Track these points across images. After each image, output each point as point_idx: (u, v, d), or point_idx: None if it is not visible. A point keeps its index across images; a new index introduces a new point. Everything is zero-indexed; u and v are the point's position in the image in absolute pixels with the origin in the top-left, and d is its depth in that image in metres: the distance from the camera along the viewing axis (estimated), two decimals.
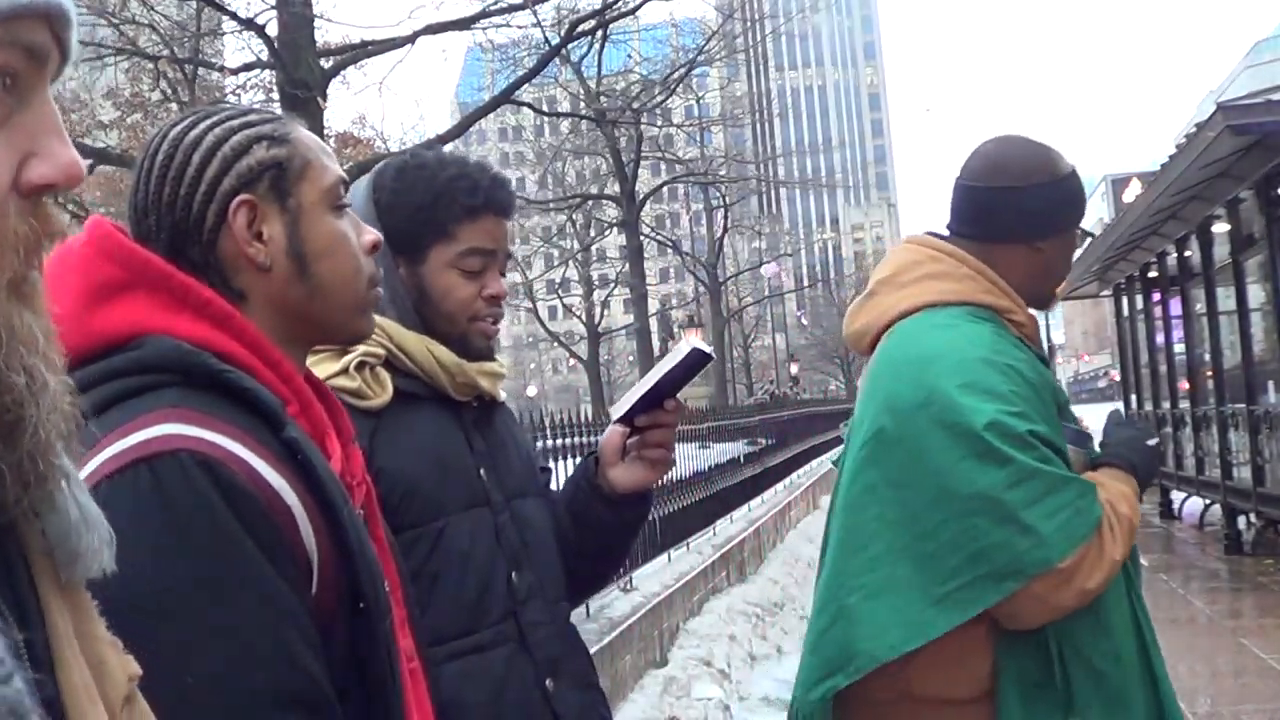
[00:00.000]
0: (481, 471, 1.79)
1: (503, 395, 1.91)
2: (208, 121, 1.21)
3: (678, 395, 1.85)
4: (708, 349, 1.83)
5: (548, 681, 1.75)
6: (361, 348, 1.69)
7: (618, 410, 1.83)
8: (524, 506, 1.83)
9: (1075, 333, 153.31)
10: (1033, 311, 2.08)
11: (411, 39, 13.67)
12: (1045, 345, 2.31)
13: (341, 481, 1.16)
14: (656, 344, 29.75)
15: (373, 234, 1.29)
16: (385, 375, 1.73)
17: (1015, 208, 2.01)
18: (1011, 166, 2.03)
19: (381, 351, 1.73)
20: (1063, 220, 2.05)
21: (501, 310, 1.85)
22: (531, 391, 70.90)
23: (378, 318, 1.70)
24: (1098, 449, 2.03)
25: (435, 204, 1.77)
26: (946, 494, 1.81)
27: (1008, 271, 2.01)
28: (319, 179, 1.23)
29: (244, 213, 1.18)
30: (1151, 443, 2.03)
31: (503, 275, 1.86)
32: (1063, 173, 2.04)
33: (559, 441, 5.93)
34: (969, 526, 1.79)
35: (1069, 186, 2.05)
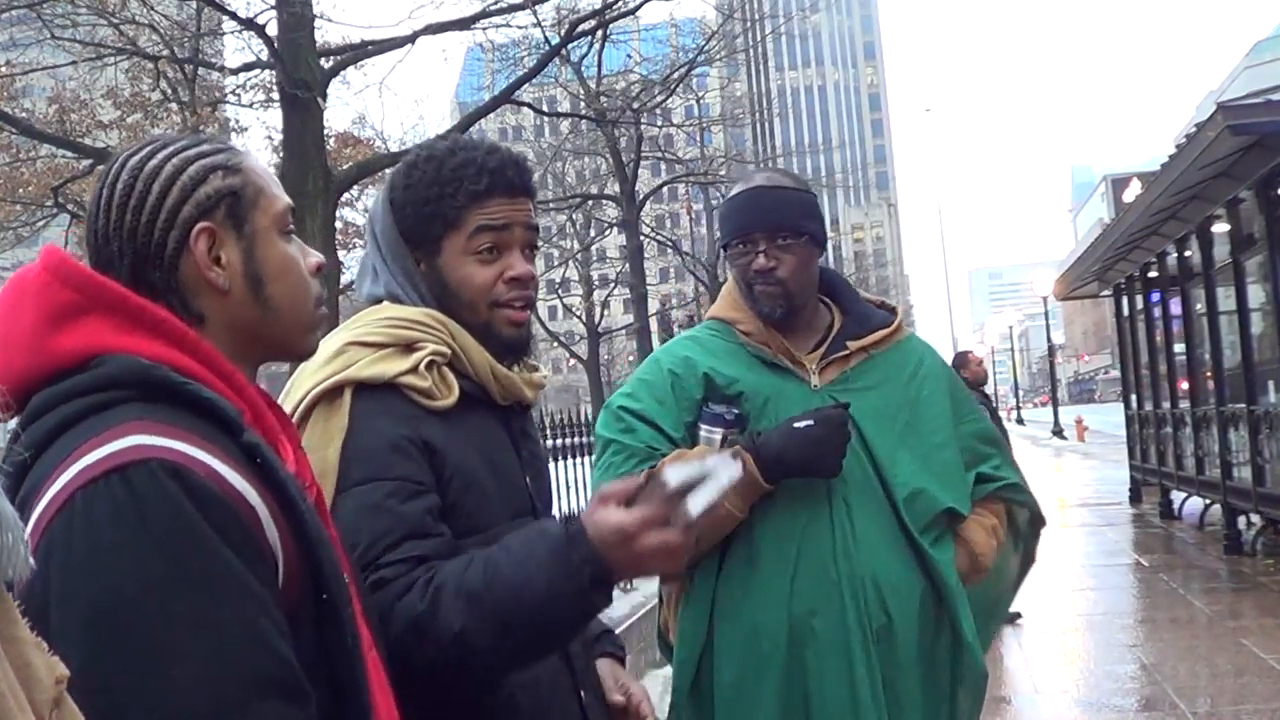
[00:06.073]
0: (527, 479, 1.76)
1: (541, 399, 1.87)
2: (165, 151, 1.27)
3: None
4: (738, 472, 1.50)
5: (581, 692, 1.74)
6: (431, 346, 1.65)
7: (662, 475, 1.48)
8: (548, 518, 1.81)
9: (1075, 333, 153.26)
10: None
11: (411, 39, 13.65)
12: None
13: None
14: (656, 344, 29.72)
15: (317, 256, 1.36)
16: (451, 376, 1.67)
17: None
18: None
19: (448, 351, 1.67)
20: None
21: (530, 294, 1.74)
22: None
23: (441, 315, 1.69)
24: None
25: (441, 195, 1.70)
26: None
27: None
28: (270, 206, 1.30)
29: (204, 239, 1.25)
30: (799, 425, 2.19)
31: (530, 256, 1.75)
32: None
33: (559, 441, 5.92)
34: None
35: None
